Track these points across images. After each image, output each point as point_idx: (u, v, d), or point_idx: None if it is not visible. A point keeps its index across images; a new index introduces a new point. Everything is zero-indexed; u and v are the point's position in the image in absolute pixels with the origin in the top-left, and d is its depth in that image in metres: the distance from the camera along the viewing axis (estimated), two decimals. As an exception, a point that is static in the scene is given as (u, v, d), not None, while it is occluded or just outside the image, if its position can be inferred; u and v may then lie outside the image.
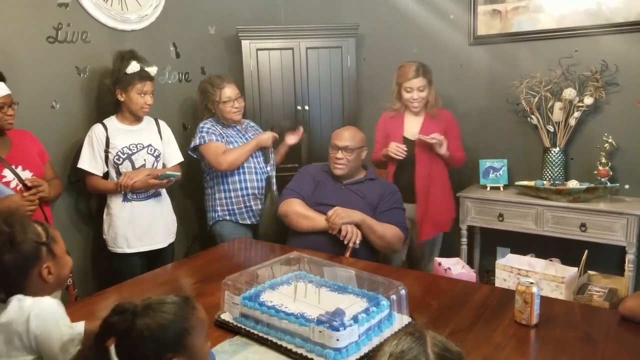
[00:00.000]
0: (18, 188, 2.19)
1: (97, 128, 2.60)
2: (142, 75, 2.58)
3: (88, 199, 2.82)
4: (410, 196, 2.90)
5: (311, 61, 3.44)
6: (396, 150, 2.87)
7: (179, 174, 2.68)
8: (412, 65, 2.88)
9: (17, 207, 2.03)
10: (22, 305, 1.26)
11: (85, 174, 2.61)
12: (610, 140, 2.88)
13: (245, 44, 3.35)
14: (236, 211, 2.92)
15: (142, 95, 2.59)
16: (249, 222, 2.94)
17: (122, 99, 2.60)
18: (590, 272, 2.47)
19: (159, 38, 3.10)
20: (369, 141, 2.66)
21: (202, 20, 3.39)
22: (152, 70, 2.66)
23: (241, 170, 2.90)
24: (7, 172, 2.17)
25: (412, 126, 2.97)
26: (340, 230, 2.34)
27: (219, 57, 3.50)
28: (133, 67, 2.56)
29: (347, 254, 2.34)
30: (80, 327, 1.50)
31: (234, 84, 2.95)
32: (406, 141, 2.94)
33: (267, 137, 2.95)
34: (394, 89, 2.96)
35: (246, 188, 2.90)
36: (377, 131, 3.09)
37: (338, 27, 3.52)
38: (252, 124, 3.13)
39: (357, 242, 2.34)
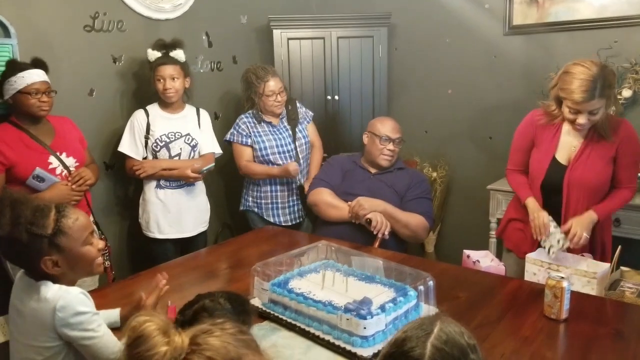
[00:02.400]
0: (63, 174, 2.24)
1: (139, 114, 2.66)
2: (159, 61, 2.60)
3: (126, 184, 2.90)
4: None
5: (342, 51, 3.43)
6: (540, 227, 2.10)
7: (212, 165, 2.70)
8: (583, 81, 1.93)
9: (35, 196, 1.97)
10: (47, 294, 1.28)
11: (124, 157, 2.67)
12: (649, 134, 2.79)
13: (276, 33, 3.36)
14: (262, 205, 2.93)
15: (161, 80, 2.60)
16: (272, 221, 2.92)
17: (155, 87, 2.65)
18: (623, 268, 2.42)
19: (192, 27, 3.14)
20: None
21: (234, 10, 3.41)
22: (176, 53, 2.65)
23: (275, 165, 2.90)
24: (52, 159, 2.22)
25: (569, 145, 2.20)
26: (368, 221, 2.35)
27: (250, 47, 3.52)
28: (150, 55, 2.63)
29: (376, 245, 2.34)
30: (114, 314, 1.55)
31: (278, 77, 2.93)
32: (555, 164, 2.21)
33: (294, 168, 2.83)
34: (552, 86, 2.11)
35: (275, 183, 2.91)
36: (518, 135, 2.35)
37: (370, 17, 3.50)
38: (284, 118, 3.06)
39: (387, 232, 2.34)
